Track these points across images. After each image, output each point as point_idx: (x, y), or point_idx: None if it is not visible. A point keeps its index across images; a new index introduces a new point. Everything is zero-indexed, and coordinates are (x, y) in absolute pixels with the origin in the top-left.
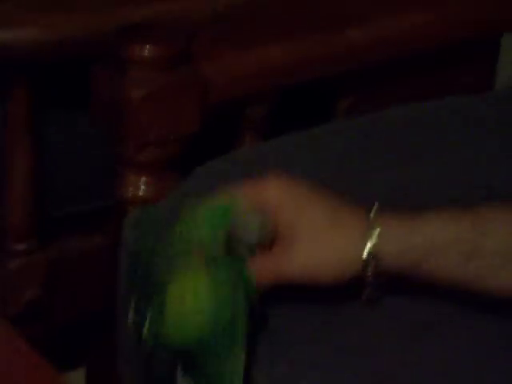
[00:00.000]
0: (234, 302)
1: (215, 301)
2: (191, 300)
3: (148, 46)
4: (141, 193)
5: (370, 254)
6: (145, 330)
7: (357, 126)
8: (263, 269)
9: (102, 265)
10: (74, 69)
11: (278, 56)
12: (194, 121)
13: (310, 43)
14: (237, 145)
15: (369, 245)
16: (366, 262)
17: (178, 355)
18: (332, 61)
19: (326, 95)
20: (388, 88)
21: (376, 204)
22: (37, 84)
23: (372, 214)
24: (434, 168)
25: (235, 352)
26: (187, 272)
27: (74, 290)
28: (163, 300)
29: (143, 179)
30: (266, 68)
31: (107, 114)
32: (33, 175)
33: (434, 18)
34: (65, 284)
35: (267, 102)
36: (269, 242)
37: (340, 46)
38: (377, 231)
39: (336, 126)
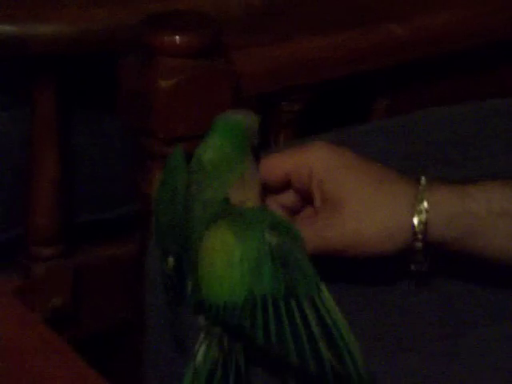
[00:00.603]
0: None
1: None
2: (222, 262)
3: (178, 35)
4: None
5: (420, 220)
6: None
7: (397, 125)
8: (306, 236)
9: (129, 272)
10: (101, 71)
11: (313, 49)
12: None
13: (346, 37)
14: (271, 142)
15: (419, 210)
16: (417, 229)
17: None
18: (370, 56)
19: (363, 94)
20: (427, 89)
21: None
22: (63, 87)
23: (422, 181)
24: (483, 170)
25: None
26: (214, 231)
27: (100, 297)
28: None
29: None
30: (300, 61)
31: (135, 107)
32: (59, 180)
33: (475, 14)
34: (91, 291)
35: (302, 97)
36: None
37: (379, 41)
38: (427, 197)
39: (377, 124)
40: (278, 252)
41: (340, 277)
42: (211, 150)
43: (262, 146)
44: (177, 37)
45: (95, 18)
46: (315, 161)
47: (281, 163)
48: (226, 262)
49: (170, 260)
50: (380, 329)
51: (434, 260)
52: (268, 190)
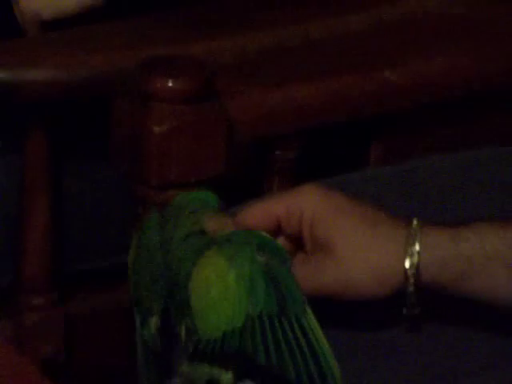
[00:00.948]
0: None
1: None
2: (217, 288)
3: (170, 79)
4: None
5: (412, 263)
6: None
7: (392, 174)
8: (297, 280)
9: (122, 321)
10: (94, 117)
11: (306, 96)
12: (218, 161)
13: (341, 83)
14: (264, 189)
15: (411, 253)
16: (408, 273)
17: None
18: (364, 102)
19: (359, 140)
20: (424, 135)
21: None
22: (55, 134)
23: (414, 224)
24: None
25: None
26: (204, 261)
27: (93, 346)
28: (188, 298)
29: None
30: (293, 108)
31: (127, 153)
32: (50, 229)
33: (474, 61)
34: (84, 340)
35: (296, 145)
36: None
37: (373, 88)
38: (419, 239)
39: (372, 173)
40: (268, 270)
41: (330, 320)
42: (182, 195)
43: (256, 195)
44: (170, 81)
45: (88, 63)
46: (305, 204)
47: (271, 208)
48: (222, 286)
49: (153, 320)
50: (370, 375)
51: (426, 304)
52: None
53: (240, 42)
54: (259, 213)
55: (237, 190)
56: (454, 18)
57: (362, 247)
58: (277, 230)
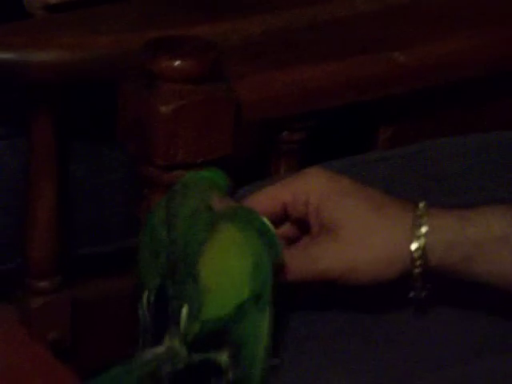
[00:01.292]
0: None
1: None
2: (229, 260)
3: (178, 59)
4: None
5: (419, 245)
6: (183, 320)
7: (400, 156)
8: (300, 262)
9: (128, 305)
10: (100, 99)
11: (314, 77)
12: (226, 141)
13: (348, 65)
14: (271, 171)
15: (418, 236)
16: (415, 255)
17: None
18: (372, 84)
19: (366, 124)
20: (432, 118)
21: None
22: (61, 117)
23: (420, 206)
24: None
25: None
26: (219, 236)
27: (99, 331)
28: (197, 273)
29: None
30: (301, 89)
31: (134, 133)
32: (57, 212)
33: (480, 43)
34: (90, 324)
35: (303, 127)
36: None
37: (381, 69)
38: (426, 222)
39: (380, 154)
40: None
41: (335, 305)
42: (190, 174)
43: (262, 176)
44: (177, 62)
45: (95, 44)
46: (311, 187)
47: (277, 194)
48: (242, 259)
49: (145, 295)
50: (368, 359)
51: (432, 287)
52: None
53: (247, 24)
54: (265, 199)
55: (243, 171)
56: (462, 0)
57: (368, 229)
58: (283, 216)
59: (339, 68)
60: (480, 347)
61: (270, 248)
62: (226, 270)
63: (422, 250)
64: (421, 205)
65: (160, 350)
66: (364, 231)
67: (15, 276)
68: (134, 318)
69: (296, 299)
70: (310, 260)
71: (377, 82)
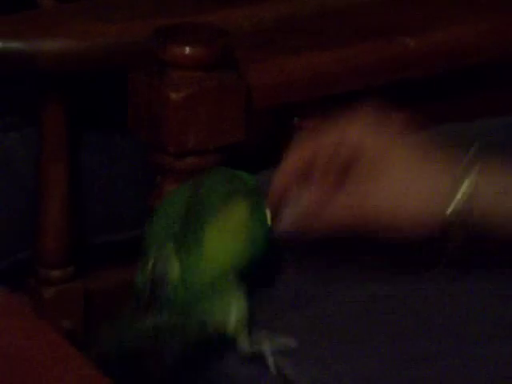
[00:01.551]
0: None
1: (252, 229)
2: (234, 227)
3: (188, 46)
4: None
5: (464, 193)
6: (173, 274)
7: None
8: (339, 203)
9: None
10: (111, 88)
11: (324, 63)
12: (237, 128)
13: (358, 50)
14: (283, 157)
15: (465, 184)
16: (460, 206)
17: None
18: (382, 69)
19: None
20: (442, 104)
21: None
22: (73, 106)
23: (471, 152)
24: None
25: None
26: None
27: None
28: (201, 235)
29: None
30: (311, 75)
31: (145, 121)
32: (69, 202)
33: (489, 28)
34: (102, 314)
35: (314, 113)
36: None
37: (391, 54)
38: (475, 169)
39: None
40: None
41: (347, 281)
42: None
43: (274, 162)
44: (187, 48)
45: (104, 33)
46: (355, 132)
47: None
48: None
49: (151, 262)
50: (395, 341)
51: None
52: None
53: (257, 11)
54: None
55: (255, 157)
56: None
57: (415, 173)
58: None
59: (349, 54)
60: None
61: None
62: (222, 246)
63: (468, 199)
64: (471, 152)
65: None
66: (410, 175)
67: (29, 266)
68: None
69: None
70: (351, 201)
71: (387, 68)
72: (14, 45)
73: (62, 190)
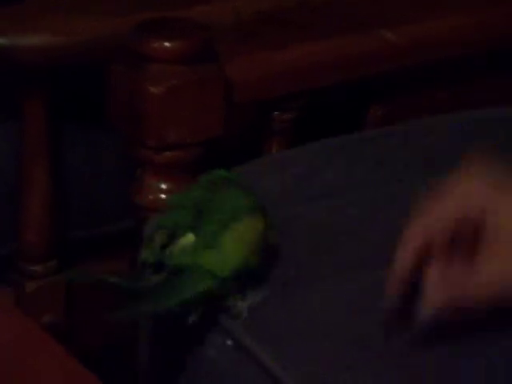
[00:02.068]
0: None
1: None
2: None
3: (168, 41)
4: (159, 198)
5: None
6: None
7: (393, 134)
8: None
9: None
10: (91, 82)
11: (305, 56)
12: (217, 122)
13: (339, 43)
14: (263, 151)
15: None
16: None
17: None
18: (363, 62)
19: (358, 103)
20: (423, 97)
21: None
22: (53, 101)
23: None
24: None
25: None
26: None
27: (94, 314)
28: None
29: (162, 184)
30: (292, 68)
31: (125, 115)
32: (50, 196)
33: (473, 21)
34: (84, 308)
35: (295, 106)
36: None
37: (372, 47)
38: None
39: (373, 133)
40: None
41: None
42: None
43: (255, 155)
44: (167, 43)
45: (84, 27)
46: (473, 202)
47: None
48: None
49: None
50: None
51: None
52: None
53: (239, 4)
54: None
55: (235, 151)
56: None
57: None
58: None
59: (330, 47)
60: None
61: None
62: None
63: None
64: None
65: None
66: None
67: (11, 260)
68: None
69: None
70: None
71: (367, 61)
72: None
73: (44, 185)
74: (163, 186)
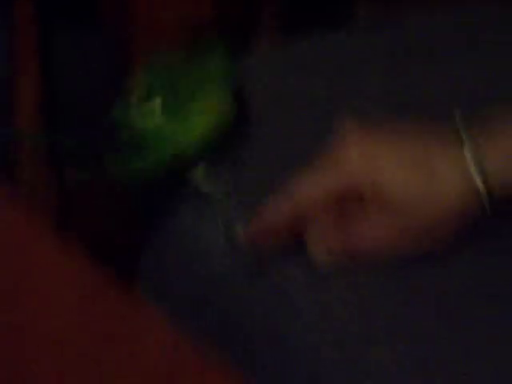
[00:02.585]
0: None
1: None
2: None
3: None
4: None
5: (481, 184)
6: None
7: (381, 26)
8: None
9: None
10: None
11: None
12: (207, 10)
13: None
14: (253, 46)
15: (477, 171)
16: (482, 193)
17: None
18: None
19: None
20: None
21: (457, 117)
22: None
23: (464, 137)
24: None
25: None
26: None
27: (88, 214)
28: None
29: None
30: None
31: (116, 15)
32: (41, 93)
33: None
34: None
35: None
36: None
37: None
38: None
39: (361, 26)
40: None
41: None
42: None
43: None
44: None
45: None
46: (351, 165)
47: (325, 185)
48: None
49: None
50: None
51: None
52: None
53: None
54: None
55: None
56: None
57: (421, 182)
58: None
59: None
60: None
61: None
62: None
63: (485, 183)
64: (464, 136)
65: None
66: (416, 185)
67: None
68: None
69: None
70: (369, 232)
71: None
72: None
73: (35, 84)
74: None
